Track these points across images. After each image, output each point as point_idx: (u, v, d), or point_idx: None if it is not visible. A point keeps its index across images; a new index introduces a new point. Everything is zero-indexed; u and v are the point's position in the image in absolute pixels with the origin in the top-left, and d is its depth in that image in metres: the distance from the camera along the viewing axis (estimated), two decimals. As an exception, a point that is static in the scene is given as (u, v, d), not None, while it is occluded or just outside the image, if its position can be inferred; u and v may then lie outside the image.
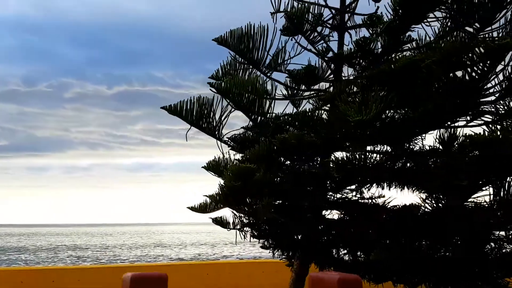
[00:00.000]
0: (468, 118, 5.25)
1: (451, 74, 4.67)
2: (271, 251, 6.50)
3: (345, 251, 5.92)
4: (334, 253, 5.93)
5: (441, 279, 5.28)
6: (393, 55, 5.43)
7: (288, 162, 5.56)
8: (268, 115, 5.59)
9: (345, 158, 5.02)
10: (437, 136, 5.39)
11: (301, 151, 5.23)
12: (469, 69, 4.47)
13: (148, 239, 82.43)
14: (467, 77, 4.55)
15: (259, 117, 5.55)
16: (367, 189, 5.65)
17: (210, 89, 5.55)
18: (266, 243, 6.40)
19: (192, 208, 6.16)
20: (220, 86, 5.29)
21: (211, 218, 6.24)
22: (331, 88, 5.80)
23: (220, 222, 6.22)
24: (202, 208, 6.01)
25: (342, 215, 5.79)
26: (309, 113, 5.62)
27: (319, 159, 5.44)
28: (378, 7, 5.76)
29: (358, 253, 5.81)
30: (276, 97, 5.93)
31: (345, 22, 5.88)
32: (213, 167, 6.37)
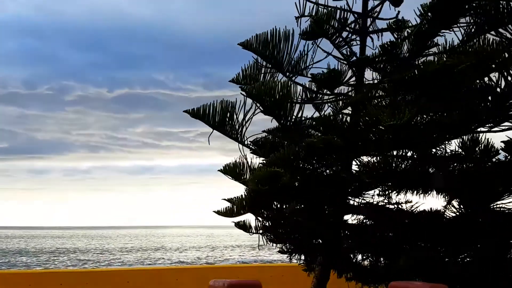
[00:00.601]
0: (491, 124, 5.22)
1: (486, 78, 4.62)
2: (289, 255, 6.45)
3: (365, 256, 5.86)
4: (352, 258, 5.88)
5: (464, 284, 5.22)
6: (418, 60, 5.39)
7: (311, 166, 5.51)
8: (297, 119, 5.51)
9: (375, 162, 4.97)
10: (464, 140, 5.36)
11: (327, 155, 5.16)
12: (505, 73, 4.41)
13: (148, 241, 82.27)
14: (503, 81, 4.50)
15: (288, 121, 5.45)
16: (395, 194, 5.59)
17: (241, 93, 5.48)
18: (284, 247, 6.34)
19: (219, 212, 6.08)
20: (252, 90, 5.21)
21: (234, 222, 6.19)
22: (352, 92, 5.76)
23: (243, 226, 6.16)
24: (228, 213, 5.94)
25: (365, 220, 5.73)
26: (333, 117, 5.56)
27: (340, 163, 5.40)
28: (399, 11, 5.74)
29: (377, 258, 5.76)
30: (301, 101, 5.85)
31: (367, 27, 5.84)
32: (231, 170, 6.32)
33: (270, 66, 5.79)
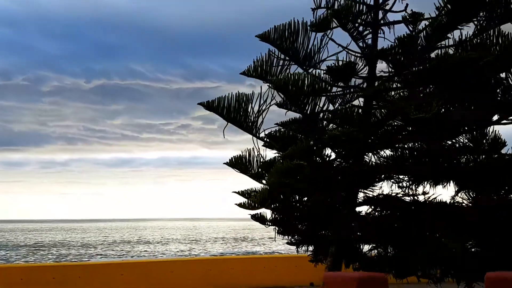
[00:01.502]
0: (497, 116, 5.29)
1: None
2: (296, 247, 6.46)
3: (373, 247, 5.92)
4: (360, 249, 5.94)
5: (471, 274, 5.33)
6: (433, 53, 5.43)
7: (327, 158, 5.52)
8: (319, 110, 5.48)
9: (394, 154, 5.00)
10: (474, 133, 5.44)
11: (348, 147, 5.17)
12: None
13: (130, 235, 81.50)
14: None
15: (312, 113, 5.43)
16: (410, 184, 5.63)
17: (268, 85, 5.43)
18: (292, 239, 6.36)
19: (240, 205, 6.06)
20: (280, 82, 5.15)
21: (250, 214, 6.17)
22: (364, 85, 5.78)
23: (260, 218, 6.15)
24: (250, 205, 5.91)
25: (377, 211, 5.78)
26: (351, 110, 5.57)
27: (357, 155, 5.41)
28: (407, 4, 5.77)
29: (381, 249, 5.82)
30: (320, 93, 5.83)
31: (379, 19, 5.86)
32: (238, 163, 6.29)
33: (287, 58, 5.77)
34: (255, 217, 6.24)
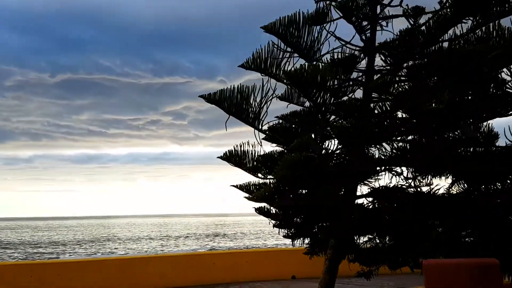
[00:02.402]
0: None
1: None
2: (292, 240, 6.45)
3: (369, 239, 5.97)
4: (356, 240, 5.99)
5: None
6: (435, 46, 5.47)
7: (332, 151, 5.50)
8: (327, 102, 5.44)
9: (400, 146, 5.04)
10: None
11: (354, 139, 5.17)
12: None
13: (99, 232, 79.99)
14: None
15: (323, 105, 5.39)
16: (419, 177, 5.68)
17: (285, 81, 5.32)
18: (289, 232, 6.35)
19: (250, 198, 5.99)
20: (295, 74, 5.04)
21: (255, 208, 6.12)
22: (363, 78, 5.80)
23: (264, 212, 6.11)
24: (258, 198, 5.83)
25: (381, 204, 5.77)
26: (355, 102, 5.56)
27: (363, 148, 5.41)
28: None
29: (379, 240, 5.88)
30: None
31: (377, 14, 5.88)
32: (232, 157, 6.23)
33: (290, 50, 5.72)
34: (260, 211, 6.19)
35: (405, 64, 5.51)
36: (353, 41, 5.78)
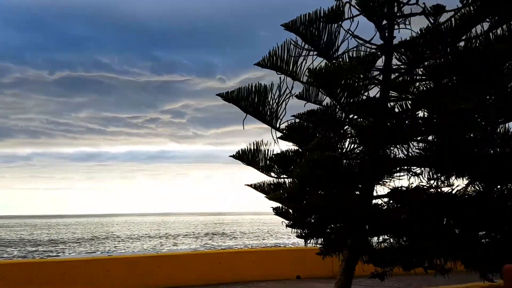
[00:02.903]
0: None
1: None
2: (305, 239, 6.42)
3: (383, 239, 5.94)
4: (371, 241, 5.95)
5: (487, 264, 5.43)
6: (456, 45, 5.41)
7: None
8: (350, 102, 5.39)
9: (421, 146, 5.02)
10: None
11: (375, 138, 5.13)
12: None
13: (99, 230, 79.91)
14: None
15: (346, 104, 5.33)
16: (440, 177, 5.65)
17: (309, 78, 5.26)
18: (302, 232, 6.33)
19: (270, 198, 5.95)
20: (323, 72, 4.95)
21: (272, 207, 6.09)
22: (380, 76, 5.75)
23: (282, 212, 6.08)
24: (280, 198, 5.80)
25: (398, 204, 5.72)
26: (374, 101, 5.51)
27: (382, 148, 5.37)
28: None
29: (394, 241, 5.84)
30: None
31: (394, 12, 5.84)
32: (245, 156, 6.21)
33: (309, 48, 5.69)
34: (278, 211, 6.15)
35: (425, 63, 5.47)
36: (369, 39, 5.72)
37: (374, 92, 5.55)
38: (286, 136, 6.07)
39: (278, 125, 6.02)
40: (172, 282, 10.99)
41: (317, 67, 5.03)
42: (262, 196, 6.13)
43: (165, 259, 11.72)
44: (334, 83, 4.90)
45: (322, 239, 6.27)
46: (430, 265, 5.80)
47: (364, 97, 5.58)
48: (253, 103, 5.81)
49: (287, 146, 6.09)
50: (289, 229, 6.51)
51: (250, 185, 6.45)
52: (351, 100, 5.19)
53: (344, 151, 5.45)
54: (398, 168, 5.56)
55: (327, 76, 4.81)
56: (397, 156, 5.53)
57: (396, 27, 5.79)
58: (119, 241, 52.82)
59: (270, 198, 5.98)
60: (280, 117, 5.93)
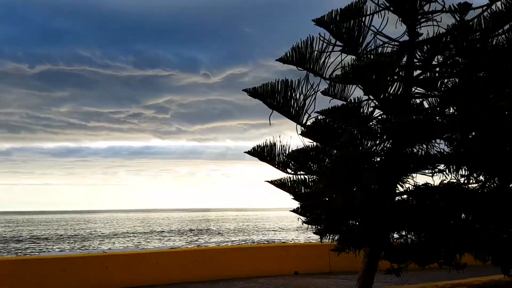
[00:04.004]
0: None
1: None
2: (320, 236, 6.43)
3: (401, 235, 5.95)
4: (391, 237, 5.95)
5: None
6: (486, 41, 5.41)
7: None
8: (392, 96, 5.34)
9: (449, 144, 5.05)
10: None
11: (408, 135, 5.13)
12: None
13: (81, 227, 78.87)
14: None
15: (385, 99, 5.29)
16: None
17: (347, 70, 5.22)
18: (319, 228, 6.32)
19: (293, 196, 5.91)
20: (360, 66, 4.88)
21: (291, 210, 6.08)
22: (402, 73, 5.72)
23: (298, 212, 6.07)
24: (312, 195, 5.77)
25: (421, 200, 5.71)
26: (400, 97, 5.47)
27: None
28: None
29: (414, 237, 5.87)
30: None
31: (417, 9, 5.83)
32: (261, 152, 6.17)
33: (335, 43, 5.66)
34: (296, 211, 6.12)
35: (450, 60, 5.50)
36: (389, 35, 5.72)
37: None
38: (307, 132, 6.02)
39: (303, 121, 5.98)
40: (170, 279, 10.94)
41: (360, 61, 5.01)
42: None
43: (163, 255, 11.62)
44: (376, 77, 4.87)
45: (339, 236, 6.28)
46: (445, 260, 5.86)
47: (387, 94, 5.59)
48: (279, 99, 5.76)
49: (308, 142, 6.06)
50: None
51: (270, 182, 6.43)
52: (387, 96, 5.18)
53: (370, 148, 5.46)
54: (423, 165, 5.58)
55: (371, 70, 4.78)
56: (423, 152, 5.56)
57: (423, 24, 5.79)
58: (102, 238, 52.22)
59: (294, 197, 5.96)
60: (306, 113, 5.89)
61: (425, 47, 5.77)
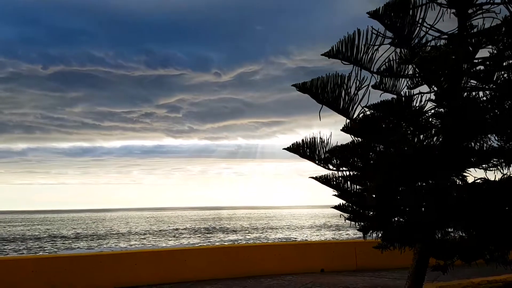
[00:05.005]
0: None
1: None
2: (364, 233, 6.36)
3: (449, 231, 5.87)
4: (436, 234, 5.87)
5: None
6: None
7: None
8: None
9: None
10: None
11: (468, 129, 5.03)
12: None
13: (98, 226, 79.70)
14: None
15: (447, 91, 5.19)
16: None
17: (414, 62, 5.10)
18: (364, 225, 6.26)
19: (339, 194, 5.88)
20: (429, 56, 4.75)
21: (333, 207, 6.03)
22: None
23: (341, 208, 6.04)
24: (370, 190, 5.72)
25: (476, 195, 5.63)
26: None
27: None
28: None
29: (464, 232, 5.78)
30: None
31: (471, 0, 5.69)
32: (302, 148, 6.13)
33: (393, 37, 5.55)
34: (339, 207, 6.07)
35: (509, 52, 5.37)
36: (440, 28, 5.61)
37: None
38: (356, 126, 5.91)
39: (353, 115, 5.88)
40: (200, 276, 10.97)
41: (430, 53, 4.87)
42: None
43: (190, 252, 11.63)
44: (445, 69, 4.77)
45: (384, 233, 6.21)
46: (492, 256, 5.77)
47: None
48: (328, 93, 5.69)
49: (350, 138, 6.00)
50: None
51: (315, 178, 6.38)
52: (450, 88, 5.08)
53: (423, 143, 5.37)
54: (479, 160, 5.48)
55: (442, 62, 4.67)
56: (479, 147, 5.46)
57: (475, 17, 5.68)
58: (117, 236, 52.71)
59: (338, 196, 5.90)
60: (356, 107, 5.81)
61: (477, 39, 5.63)
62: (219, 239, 45.55)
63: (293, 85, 5.85)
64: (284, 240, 41.39)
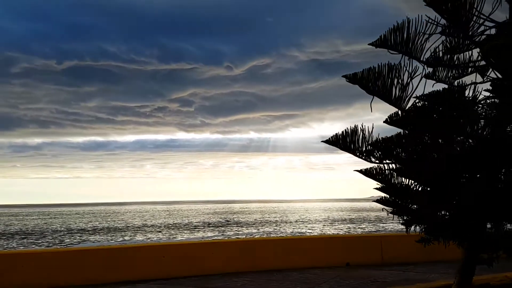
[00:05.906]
0: None
1: None
2: (408, 226, 6.30)
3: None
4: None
5: None
6: None
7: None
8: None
9: None
10: None
11: None
12: None
13: (113, 220, 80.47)
14: None
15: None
16: None
17: (478, 52, 4.99)
18: (407, 218, 6.20)
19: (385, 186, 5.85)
20: (499, 44, 4.64)
21: (375, 200, 5.99)
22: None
23: (384, 201, 6.01)
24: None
25: None
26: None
27: None
28: None
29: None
30: None
31: None
32: (342, 140, 6.08)
33: (449, 26, 5.43)
34: (381, 201, 6.06)
35: None
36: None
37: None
38: (408, 117, 5.78)
39: (405, 106, 5.80)
40: (225, 268, 11.06)
41: (501, 40, 4.74)
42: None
43: (217, 245, 11.72)
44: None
45: (428, 226, 6.14)
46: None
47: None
48: (379, 84, 5.62)
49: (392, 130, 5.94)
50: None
51: (360, 171, 6.35)
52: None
53: (475, 135, 5.30)
54: None
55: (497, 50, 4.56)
56: None
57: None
58: (133, 230, 53.15)
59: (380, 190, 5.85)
60: (407, 98, 5.72)
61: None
62: (233, 233, 45.70)
63: (343, 76, 5.77)
64: (303, 234, 41.32)
